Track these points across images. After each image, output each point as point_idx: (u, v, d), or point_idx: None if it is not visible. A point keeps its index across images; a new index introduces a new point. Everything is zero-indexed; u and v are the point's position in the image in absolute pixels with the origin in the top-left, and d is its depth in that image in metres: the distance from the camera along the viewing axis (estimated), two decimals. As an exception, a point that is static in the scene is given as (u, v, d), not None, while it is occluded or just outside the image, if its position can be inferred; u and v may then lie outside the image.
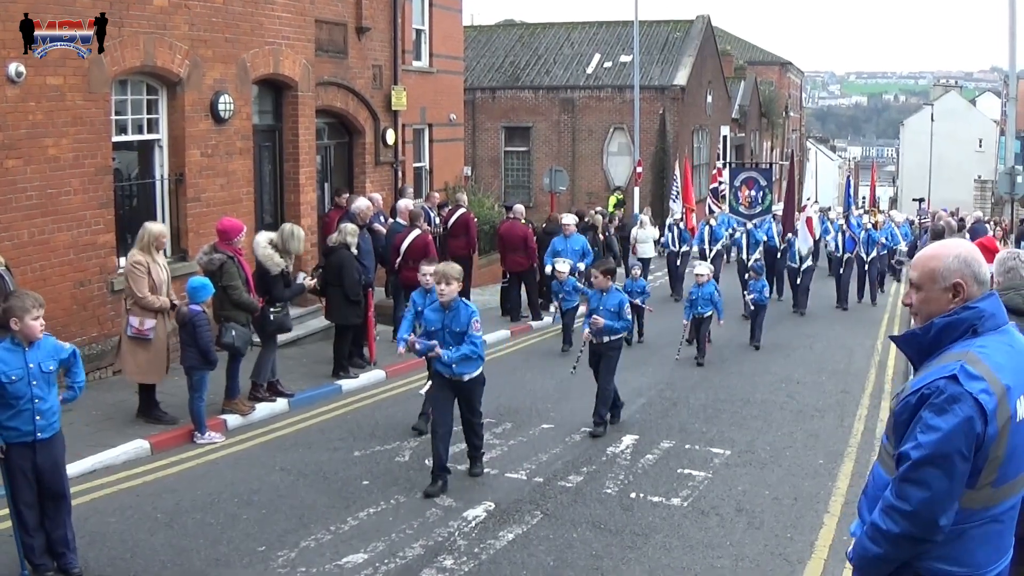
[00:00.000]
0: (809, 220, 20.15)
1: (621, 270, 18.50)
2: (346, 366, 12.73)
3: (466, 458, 9.47)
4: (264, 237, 11.26)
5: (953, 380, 3.33)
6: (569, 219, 17.69)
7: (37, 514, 6.48)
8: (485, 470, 9.13)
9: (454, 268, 8.66)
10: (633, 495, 8.50)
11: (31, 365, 6.34)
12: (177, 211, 13.23)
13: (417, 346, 8.85)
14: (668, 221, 23.47)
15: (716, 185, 24.74)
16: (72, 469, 8.31)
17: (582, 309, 13.50)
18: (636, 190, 33.33)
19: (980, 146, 75.41)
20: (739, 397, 12.48)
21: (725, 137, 45.45)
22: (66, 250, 11.31)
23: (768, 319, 16.53)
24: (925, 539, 3.36)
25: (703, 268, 15.02)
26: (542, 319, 17.90)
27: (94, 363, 11.62)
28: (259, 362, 11.19)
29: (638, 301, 15.71)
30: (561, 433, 10.42)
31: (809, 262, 19.86)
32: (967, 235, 18.75)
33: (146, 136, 13.05)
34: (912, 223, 31.73)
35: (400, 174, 20.34)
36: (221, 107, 13.58)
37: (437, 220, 18.12)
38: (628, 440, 10.28)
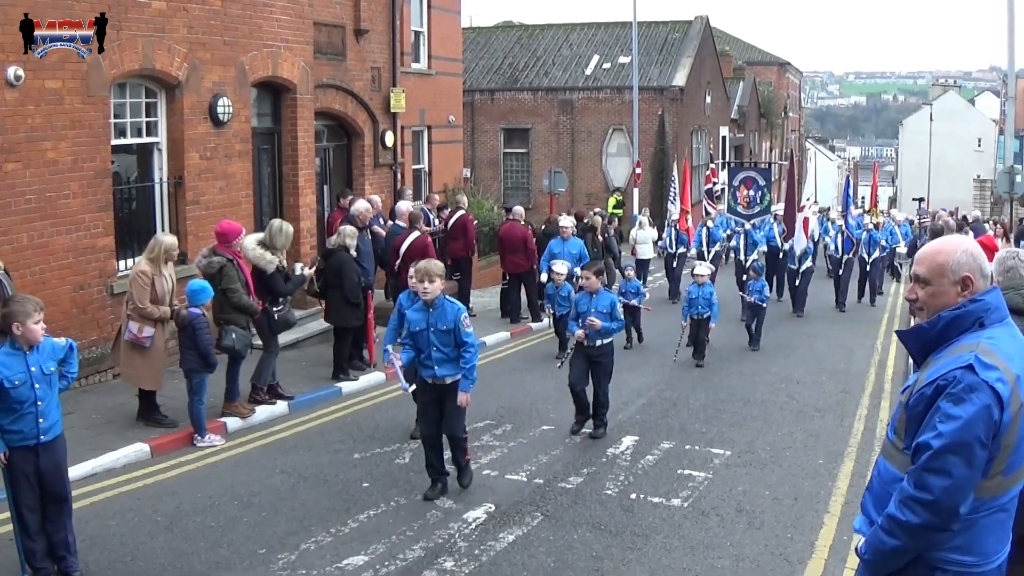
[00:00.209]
0: (806, 221, 19.98)
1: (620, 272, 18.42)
2: (346, 368, 12.73)
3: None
4: (252, 239, 11.21)
5: (969, 370, 3.41)
6: (567, 221, 17.52)
7: (38, 517, 6.48)
8: (485, 471, 9.12)
9: (436, 265, 8.41)
10: (633, 496, 8.50)
11: (33, 368, 6.34)
12: (176, 214, 13.23)
13: (397, 363, 8.39)
14: (667, 222, 23.45)
15: (710, 185, 24.58)
16: (72, 472, 8.29)
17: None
18: (635, 191, 33.34)
19: (979, 145, 75.39)
20: (739, 397, 12.48)
21: (724, 138, 45.48)
22: (65, 254, 11.31)
23: (768, 320, 16.51)
24: (944, 528, 3.43)
25: (703, 268, 14.87)
26: (542, 320, 17.89)
27: (94, 366, 11.62)
28: (260, 365, 11.18)
29: (634, 302, 15.71)
30: (561, 434, 10.42)
31: (808, 263, 19.71)
32: (970, 233, 18.73)
33: (145, 139, 13.05)
34: (912, 223, 31.72)
35: (399, 176, 20.36)
36: (220, 110, 13.58)
37: (437, 222, 18.14)
38: (628, 441, 10.28)
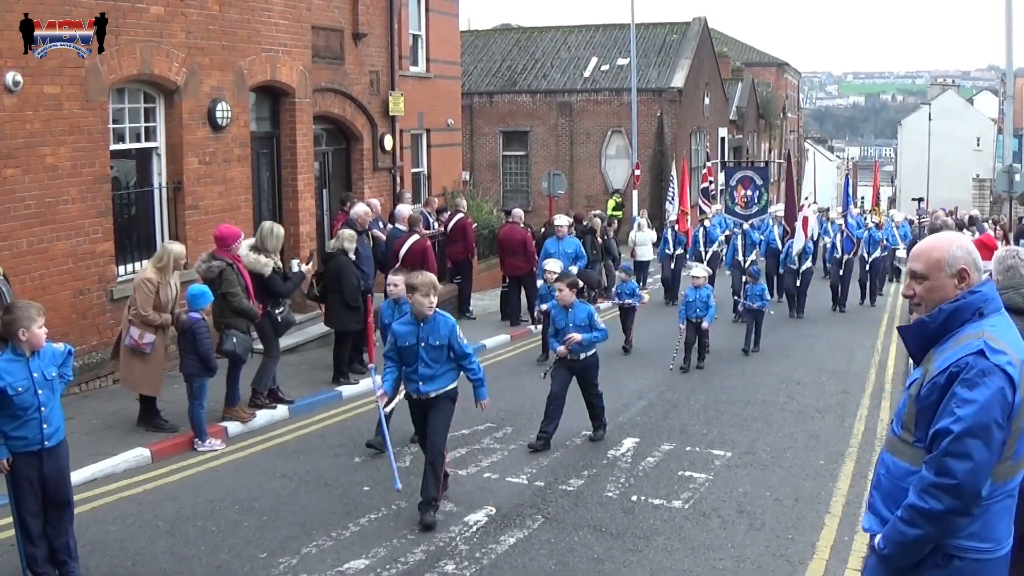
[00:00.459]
0: (805, 220, 19.86)
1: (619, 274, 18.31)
2: (346, 372, 12.72)
3: (465, 463, 9.47)
4: (245, 246, 11.20)
5: (981, 355, 3.53)
6: (562, 220, 17.34)
7: (40, 523, 6.48)
8: (485, 474, 9.12)
9: (432, 279, 7.97)
10: (634, 498, 8.49)
11: (35, 374, 6.34)
12: (175, 219, 13.23)
13: (377, 381, 8.22)
14: (666, 223, 23.37)
15: (706, 185, 24.26)
16: (73, 478, 8.26)
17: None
18: (635, 193, 33.34)
19: (978, 145, 75.44)
20: (739, 398, 12.47)
21: (723, 139, 45.49)
22: (65, 259, 11.32)
23: (768, 321, 16.50)
24: (966, 512, 3.51)
25: (700, 270, 14.73)
26: (540, 323, 17.87)
27: (94, 371, 11.63)
28: (261, 369, 11.17)
29: (629, 302, 15.64)
30: (562, 437, 10.40)
31: (808, 264, 19.60)
32: (976, 232, 18.71)
33: (144, 144, 13.06)
34: (912, 223, 31.72)
35: (398, 179, 20.37)
36: (218, 114, 13.59)
37: (436, 225, 18.14)
38: (629, 443, 10.28)
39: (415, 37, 22.45)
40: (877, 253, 21.72)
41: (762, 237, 21.69)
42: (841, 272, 20.91)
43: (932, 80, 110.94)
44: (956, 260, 3.73)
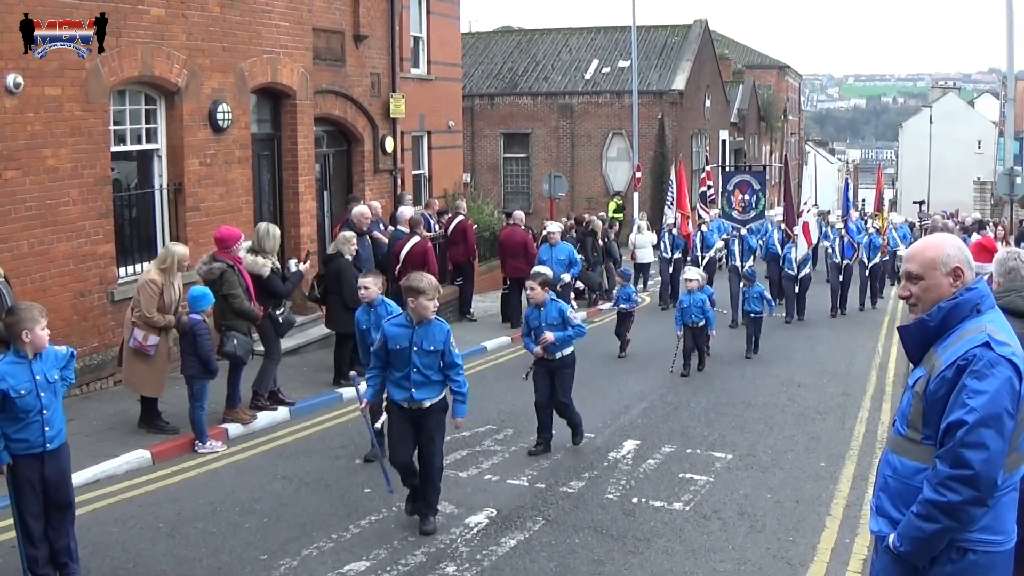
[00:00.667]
0: (806, 225, 19.70)
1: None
2: (347, 374, 12.70)
3: (466, 465, 9.46)
4: (243, 247, 11.19)
5: (987, 347, 3.60)
6: (554, 227, 17.20)
7: (42, 524, 6.47)
8: (486, 476, 9.11)
9: (435, 281, 7.67)
10: (635, 500, 8.49)
11: (38, 377, 6.33)
12: (176, 221, 13.23)
13: (361, 389, 7.98)
14: (664, 226, 23.25)
15: (704, 189, 24.09)
16: (74, 479, 8.27)
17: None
18: (635, 195, 33.32)
19: (979, 147, 75.38)
20: (740, 400, 12.47)
21: (724, 141, 45.49)
22: (66, 261, 11.32)
23: (768, 323, 16.49)
24: (984, 502, 3.56)
25: (693, 274, 14.48)
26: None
27: (95, 373, 11.63)
28: (262, 371, 11.17)
29: (624, 306, 15.51)
30: (562, 439, 10.39)
31: (807, 269, 19.43)
32: (980, 233, 18.69)
33: (145, 146, 13.06)
34: (913, 225, 31.69)
35: (399, 182, 20.37)
36: (219, 116, 13.59)
37: (437, 227, 18.15)
38: (629, 445, 10.27)
39: (416, 39, 22.45)
40: (877, 259, 21.61)
41: (761, 242, 21.59)
42: (841, 277, 20.70)
43: (933, 83, 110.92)
44: (950, 259, 3.81)
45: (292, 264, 11.79)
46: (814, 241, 20.60)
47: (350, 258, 12.62)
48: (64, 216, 11.26)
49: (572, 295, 19.97)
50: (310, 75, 15.90)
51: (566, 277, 16.13)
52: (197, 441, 9.85)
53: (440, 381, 7.59)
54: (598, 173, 37.28)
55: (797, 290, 19.41)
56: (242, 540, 7.50)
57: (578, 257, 19.38)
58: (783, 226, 20.85)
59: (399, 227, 15.39)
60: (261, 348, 11.26)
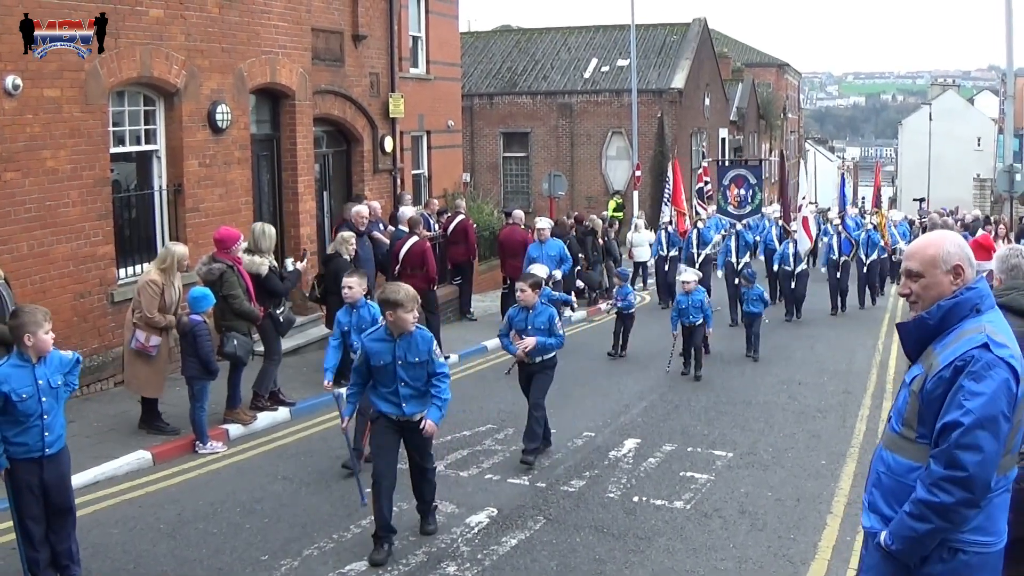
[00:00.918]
0: (805, 220, 19.51)
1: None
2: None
3: (466, 465, 9.46)
4: (240, 248, 11.17)
5: (985, 348, 3.58)
6: (543, 224, 16.99)
7: (42, 528, 6.45)
8: (487, 476, 9.11)
9: (414, 292, 7.22)
10: (636, 499, 8.49)
11: (40, 381, 6.28)
12: (176, 222, 13.23)
13: (342, 404, 7.75)
14: (660, 224, 23.04)
15: (701, 185, 23.69)
16: (74, 481, 8.27)
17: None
18: (635, 194, 33.35)
19: (979, 145, 75.37)
20: (741, 399, 12.47)
21: (723, 139, 45.50)
22: (65, 262, 11.32)
23: (768, 322, 16.44)
24: (977, 504, 3.55)
25: (689, 275, 14.23)
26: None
27: (95, 374, 11.62)
28: (263, 371, 11.17)
29: (620, 306, 15.36)
30: (563, 438, 10.40)
31: (804, 266, 19.18)
32: (985, 230, 18.64)
33: (144, 147, 13.06)
34: (912, 223, 31.67)
35: (399, 181, 20.37)
36: (219, 117, 13.59)
37: (436, 227, 18.15)
38: (630, 444, 10.27)
39: (415, 39, 22.46)
40: (875, 255, 21.48)
41: (758, 238, 21.47)
42: (839, 274, 20.53)
43: (932, 80, 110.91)
44: (951, 257, 3.78)
45: (288, 263, 11.80)
46: (814, 236, 20.40)
47: (349, 258, 12.62)
48: (64, 218, 11.26)
49: (573, 293, 20.00)
50: (309, 75, 15.90)
51: (557, 274, 15.99)
52: (198, 442, 9.85)
53: (428, 392, 7.24)
54: (598, 172, 37.29)
55: (793, 286, 19.17)
56: (243, 540, 7.50)
57: (578, 255, 19.43)
58: (781, 222, 20.74)
59: (400, 227, 15.38)
60: (261, 349, 11.27)
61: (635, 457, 9.78)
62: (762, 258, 22.86)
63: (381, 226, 16.12)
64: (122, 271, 12.36)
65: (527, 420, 9.55)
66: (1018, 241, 19.99)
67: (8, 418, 6.20)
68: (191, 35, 13.09)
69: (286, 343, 12.79)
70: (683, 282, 14.03)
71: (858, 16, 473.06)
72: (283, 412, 11.23)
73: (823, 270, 19.54)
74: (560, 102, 37.52)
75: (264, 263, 10.93)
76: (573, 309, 19.65)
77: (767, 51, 68.54)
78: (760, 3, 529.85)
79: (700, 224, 20.76)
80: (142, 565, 7.06)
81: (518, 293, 9.81)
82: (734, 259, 18.79)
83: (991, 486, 3.55)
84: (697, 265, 18.80)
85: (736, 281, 18.23)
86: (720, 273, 19.93)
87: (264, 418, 10.91)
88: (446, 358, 14.34)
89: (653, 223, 26.14)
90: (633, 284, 21.40)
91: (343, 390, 7.41)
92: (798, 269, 19.15)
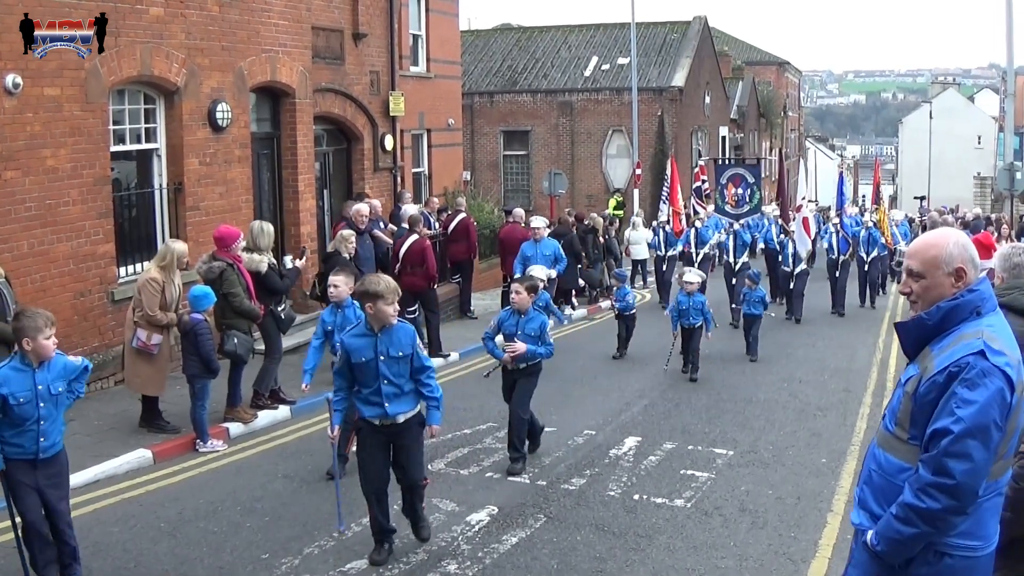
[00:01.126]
0: (805, 220, 19.27)
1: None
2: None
3: (467, 463, 9.45)
4: (239, 246, 11.16)
5: (981, 355, 3.52)
6: (539, 222, 16.86)
7: (43, 527, 6.37)
8: (487, 474, 9.10)
9: (395, 284, 6.89)
10: (636, 497, 8.48)
11: (40, 387, 6.21)
12: (176, 220, 13.24)
13: (330, 408, 7.30)
14: (654, 224, 22.88)
15: (699, 184, 23.49)
16: (75, 480, 8.30)
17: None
18: (635, 192, 33.36)
19: (979, 143, 75.41)
20: (741, 397, 12.46)
21: (724, 138, 45.49)
22: (66, 261, 11.32)
23: (768, 321, 16.41)
24: (963, 511, 3.51)
25: (692, 276, 13.89)
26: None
27: (95, 373, 11.58)
28: (263, 370, 11.17)
29: (618, 307, 15.27)
30: (563, 436, 10.40)
31: (803, 265, 18.91)
32: (993, 232, 18.51)
33: (144, 145, 13.06)
34: (912, 221, 31.63)
35: (399, 180, 20.36)
36: (219, 115, 13.59)
37: (437, 225, 18.15)
38: (631, 442, 10.27)
39: (415, 37, 22.45)
40: (875, 253, 21.17)
41: (758, 236, 21.35)
42: (838, 273, 20.29)
43: (933, 78, 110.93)
44: (953, 258, 3.72)
45: (287, 261, 11.81)
46: (813, 236, 20.24)
47: (349, 256, 12.61)
48: (64, 216, 11.26)
49: (573, 292, 20.01)
50: (309, 73, 15.90)
51: (552, 273, 15.93)
52: (198, 440, 9.85)
53: (413, 391, 6.91)
54: (598, 170, 37.30)
55: (793, 286, 18.95)
56: (243, 539, 7.50)
57: (580, 253, 19.43)
58: (780, 222, 20.61)
59: (403, 225, 15.35)
60: (262, 347, 11.26)
61: (636, 455, 9.78)
62: (763, 258, 22.72)
63: (381, 224, 16.12)
64: (122, 270, 12.36)
65: (508, 430, 9.30)
66: (1020, 239, 19.96)
67: (5, 420, 6.16)
68: (191, 34, 13.09)
69: (286, 341, 12.78)
70: (686, 282, 13.74)
71: (858, 14, 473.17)
72: (283, 410, 11.23)
73: (804, 266, 19.12)
74: (560, 100, 37.52)
75: (263, 261, 10.92)
76: (574, 308, 19.67)
77: (767, 49, 68.60)
78: (760, 1, 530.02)
79: (698, 224, 20.60)
80: (142, 564, 7.05)
81: (512, 295, 9.40)
82: (731, 259, 18.61)
83: (978, 494, 3.50)
84: (696, 265, 18.60)
85: (733, 281, 18.13)
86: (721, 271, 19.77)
87: (264, 416, 10.91)
88: (446, 356, 14.49)
89: (652, 221, 26.10)
90: (632, 283, 21.40)
91: (331, 394, 7.15)
92: (797, 269, 18.91)
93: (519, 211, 19.09)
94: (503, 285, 18.95)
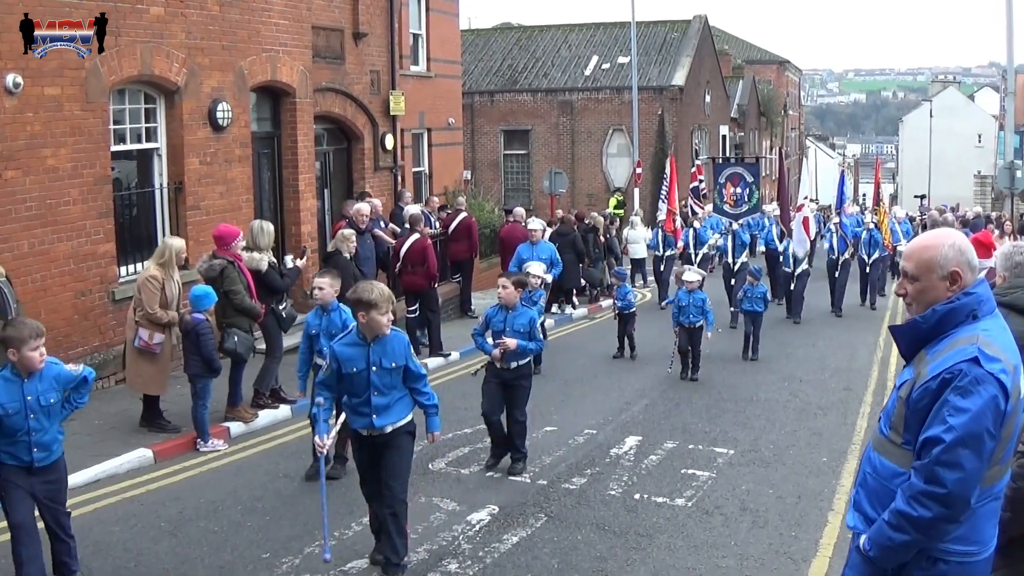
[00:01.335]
0: (805, 220, 19.11)
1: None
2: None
3: (468, 462, 9.45)
4: (239, 244, 11.15)
5: (975, 362, 3.45)
6: (536, 224, 16.75)
7: (36, 528, 6.26)
8: (488, 473, 9.10)
9: (389, 293, 6.56)
10: (637, 496, 8.49)
11: (28, 397, 6.07)
12: (177, 219, 13.24)
13: (325, 439, 6.78)
14: (656, 223, 22.77)
15: (696, 183, 23.10)
16: (76, 479, 8.31)
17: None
18: (636, 191, 33.35)
19: (979, 141, 75.37)
20: (742, 396, 12.46)
21: (724, 136, 45.48)
22: (66, 260, 11.32)
23: (768, 321, 16.34)
24: (955, 520, 3.45)
25: (692, 275, 13.74)
26: (546, 321, 17.79)
27: (96, 372, 11.61)
28: (264, 369, 11.16)
29: (619, 306, 15.18)
30: (564, 436, 10.40)
31: (804, 266, 18.77)
32: (995, 231, 18.42)
33: (145, 145, 13.06)
34: (913, 220, 31.59)
35: (400, 179, 20.37)
36: (219, 115, 13.58)
37: (437, 224, 18.15)
38: (631, 441, 10.27)
39: (415, 36, 22.45)
40: (876, 254, 20.97)
41: (759, 236, 21.24)
42: (837, 274, 20.07)
43: (933, 77, 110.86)
44: (948, 262, 3.65)
45: (288, 260, 11.81)
46: (812, 236, 20.10)
47: (349, 256, 12.61)
48: (64, 216, 11.26)
49: (574, 292, 20.00)
50: (310, 73, 15.90)
51: (548, 278, 15.85)
52: (199, 440, 9.84)
53: (402, 400, 6.62)
54: (598, 169, 37.29)
55: (793, 287, 18.82)
56: (244, 538, 7.50)
57: (582, 252, 19.40)
58: (780, 221, 20.48)
59: (406, 226, 15.32)
60: (262, 346, 11.26)
61: (636, 454, 9.78)
62: (763, 259, 22.58)
63: (382, 223, 16.12)
64: (123, 269, 12.36)
65: (510, 435, 9.18)
66: (1019, 236, 19.90)
67: None
68: (192, 33, 13.09)
69: (287, 341, 12.76)
70: (686, 281, 13.60)
71: (859, 13, 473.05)
72: (284, 410, 11.22)
73: (805, 266, 18.93)
74: (561, 99, 37.51)
75: (264, 259, 10.92)
76: (575, 307, 19.67)
77: (768, 48, 68.62)
78: (760, 1, 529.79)
79: (696, 223, 20.43)
80: (143, 563, 7.05)
81: (500, 289, 9.22)
82: (730, 259, 18.45)
83: (971, 503, 3.45)
84: (695, 265, 18.22)
85: (732, 282, 18.05)
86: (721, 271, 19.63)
87: (265, 416, 10.90)
88: (447, 356, 14.48)
89: (652, 220, 26.07)
90: (632, 282, 21.37)
91: (321, 399, 6.79)
92: (798, 270, 18.77)
93: (520, 210, 19.09)
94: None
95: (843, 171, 30.26)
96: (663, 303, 20.01)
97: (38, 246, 10.94)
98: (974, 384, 3.42)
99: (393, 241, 15.23)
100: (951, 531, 3.50)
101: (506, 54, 39.96)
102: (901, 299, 3.96)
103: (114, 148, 12.29)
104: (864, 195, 46.86)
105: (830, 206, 30.83)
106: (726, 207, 19.06)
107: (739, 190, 18.92)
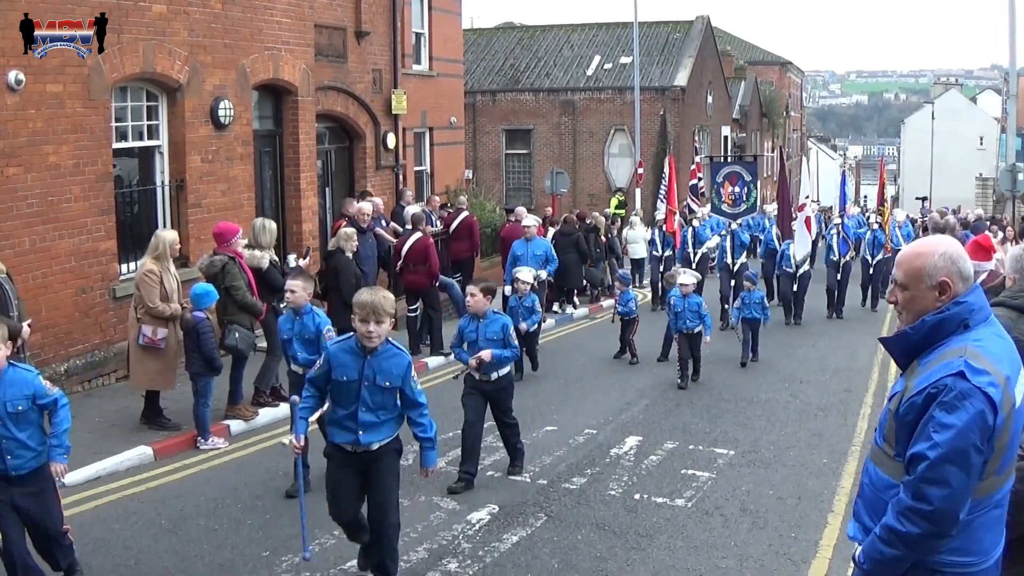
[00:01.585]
0: (807, 220, 18.96)
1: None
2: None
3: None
4: (239, 241, 11.14)
5: (960, 376, 3.36)
6: (530, 221, 16.63)
7: (23, 538, 6.01)
8: (488, 473, 9.10)
9: (388, 299, 6.00)
10: (637, 496, 8.49)
11: None
12: (178, 217, 13.24)
13: (298, 439, 6.44)
14: (654, 223, 22.63)
15: (695, 182, 22.80)
16: (76, 476, 8.34)
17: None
18: (637, 191, 33.33)
19: (981, 144, 75.35)
20: (742, 397, 12.46)
21: (726, 137, 45.46)
22: (67, 257, 11.32)
23: (769, 322, 16.27)
24: (943, 536, 3.40)
25: (688, 278, 13.42)
26: (546, 320, 17.80)
27: (96, 370, 11.64)
28: (264, 367, 11.17)
29: (620, 310, 15.09)
30: (564, 435, 10.41)
31: (806, 267, 18.55)
32: (999, 234, 18.35)
33: (146, 143, 13.06)
34: (914, 222, 31.54)
35: (401, 178, 20.37)
36: (221, 113, 13.59)
37: (438, 223, 18.16)
38: (632, 441, 10.27)
39: (418, 35, 22.44)
40: (880, 256, 20.72)
41: (760, 236, 21.13)
42: (839, 276, 19.82)
43: (935, 79, 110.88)
44: (937, 271, 3.57)
45: (291, 259, 11.80)
46: (814, 236, 19.96)
47: (350, 255, 12.61)
48: (66, 213, 11.27)
49: (575, 292, 19.99)
50: (312, 71, 15.90)
51: (543, 274, 15.79)
52: (199, 437, 9.85)
53: (393, 420, 6.17)
54: (600, 169, 37.27)
55: (795, 289, 18.59)
56: (244, 536, 7.51)
57: (583, 252, 19.39)
58: (778, 222, 20.32)
59: (407, 226, 15.32)
60: (263, 344, 11.26)
61: (636, 455, 9.78)
62: (761, 259, 22.41)
63: (383, 222, 16.13)
64: (124, 266, 12.36)
65: (505, 438, 9.18)
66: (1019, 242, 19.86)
67: None
68: (194, 31, 13.09)
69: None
70: (680, 284, 13.33)
71: (861, 15, 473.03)
72: (284, 408, 11.19)
73: (806, 267, 18.75)
74: (563, 99, 37.50)
75: (265, 256, 10.93)
76: (576, 307, 19.66)
77: (770, 49, 68.58)
78: (763, 1, 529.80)
79: (695, 222, 20.15)
80: (143, 561, 7.06)
81: (468, 298, 8.98)
82: (729, 260, 18.18)
83: (960, 519, 3.39)
84: (694, 266, 18.09)
85: (731, 282, 17.90)
86: (718, 274, 19.46)
87: (266, 414, 10.91)
88: (448, 355, 14.50)
89: (651, 220, 25.98)
90: (633, 282, 21.32)
91: (297, 397, 6.49)
92: (800, 271, 18.54)
93: (521, 210, 19.08)
94: (503, 284, 18.93)
95: (844, 172, 30.16)
96: (656, 307, 19.82)
97: (39, 243, 10.95)
98: (959, 399, 3.34)
99: (394, 240, 15.24)
100: (942, 545, 3.45)
101: (508, 54, 39.95)
102: (890, 304, 3.89)
103: (116, 145, 12.30)
104: (865, 196, 46.81)
105: (831, 207, 30.79)
106: (725, 206, 18.93)
107: (737, 189, 18.77)
